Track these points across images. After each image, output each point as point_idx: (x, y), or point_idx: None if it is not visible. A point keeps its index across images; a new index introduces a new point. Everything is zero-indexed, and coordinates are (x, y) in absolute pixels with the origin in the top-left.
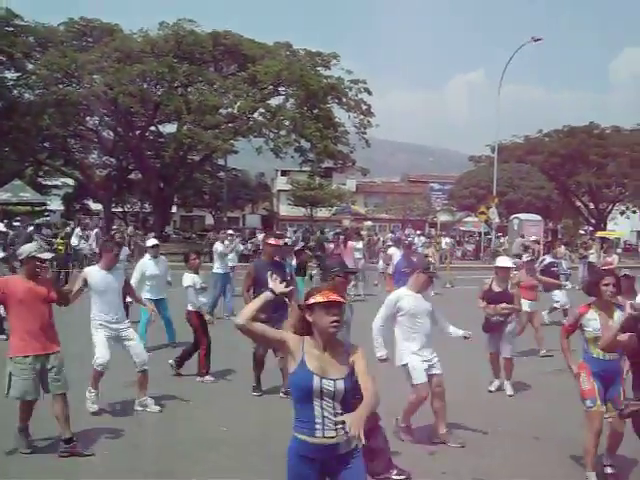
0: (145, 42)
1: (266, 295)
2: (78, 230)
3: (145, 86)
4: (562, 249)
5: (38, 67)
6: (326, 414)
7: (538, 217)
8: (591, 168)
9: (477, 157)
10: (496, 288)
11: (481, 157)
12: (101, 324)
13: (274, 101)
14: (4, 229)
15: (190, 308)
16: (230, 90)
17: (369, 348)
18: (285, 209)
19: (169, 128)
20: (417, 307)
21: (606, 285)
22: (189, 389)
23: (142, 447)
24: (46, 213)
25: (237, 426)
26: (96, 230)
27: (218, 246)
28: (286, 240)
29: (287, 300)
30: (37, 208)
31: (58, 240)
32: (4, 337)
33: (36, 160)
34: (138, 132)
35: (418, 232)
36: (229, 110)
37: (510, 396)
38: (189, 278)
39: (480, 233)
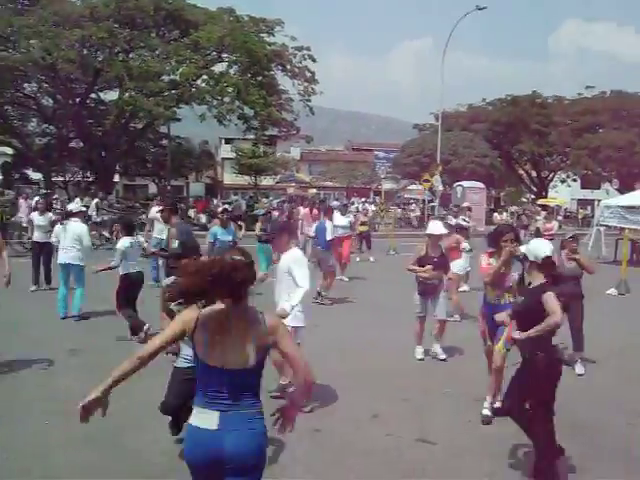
0: (85, 6)
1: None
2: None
3: (85, 52)
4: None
5: None
6: None
7: (481, 185)
8: (533, 137)
9: (421, 125)
10: (432, 253)
11: (425, 125)
12: None
13: (217, 68)
14: None
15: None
16: (172, 56)
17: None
18: (229, 177)
19: (110, 95)
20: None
21: (505, 241)
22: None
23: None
24: None
25: None
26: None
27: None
28: (226, 207)
29: None
30: None
31: None
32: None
33: None
34: (78, 99)
35: (362, 199)
36: (171, 77)
37: (443, 360)
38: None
39: (424, 200)
